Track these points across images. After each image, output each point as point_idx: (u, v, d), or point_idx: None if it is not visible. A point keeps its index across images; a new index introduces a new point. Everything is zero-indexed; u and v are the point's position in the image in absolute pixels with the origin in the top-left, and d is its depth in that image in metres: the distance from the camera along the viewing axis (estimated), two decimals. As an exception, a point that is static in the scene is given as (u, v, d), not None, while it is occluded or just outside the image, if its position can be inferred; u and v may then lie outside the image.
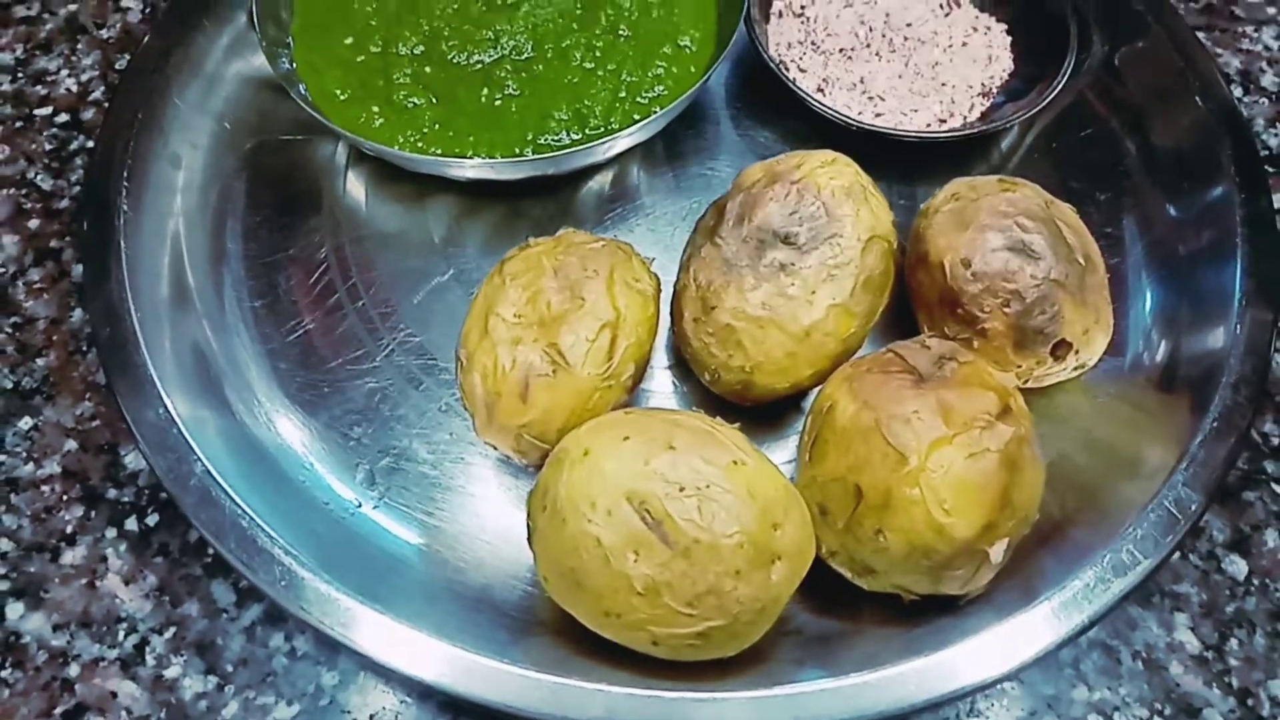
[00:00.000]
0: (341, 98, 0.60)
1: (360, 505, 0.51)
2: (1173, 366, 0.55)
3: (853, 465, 0.45)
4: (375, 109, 0.59)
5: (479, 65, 0.61)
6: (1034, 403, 0.51)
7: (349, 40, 0.62)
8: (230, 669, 0.48)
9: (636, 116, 0.60)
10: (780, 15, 0.68)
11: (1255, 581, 0.52)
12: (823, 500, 0.46)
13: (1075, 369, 0.53)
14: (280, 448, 0.52)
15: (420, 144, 0.58)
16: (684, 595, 0.42)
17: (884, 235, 0.51)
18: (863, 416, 0.45)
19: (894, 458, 0.44)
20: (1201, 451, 0.50)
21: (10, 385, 0.56)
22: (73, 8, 0.70)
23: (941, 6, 0.69)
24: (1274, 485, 0.54)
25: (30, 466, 0.53)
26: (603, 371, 0.48)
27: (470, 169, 0.56)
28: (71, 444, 0.54)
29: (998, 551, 0.44)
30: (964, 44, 0.67)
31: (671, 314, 0.54)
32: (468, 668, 0.44)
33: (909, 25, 0.68)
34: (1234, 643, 0.50)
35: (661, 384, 0.56)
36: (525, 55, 0.61)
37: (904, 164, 0.63)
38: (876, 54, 0.66)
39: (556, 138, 0.59)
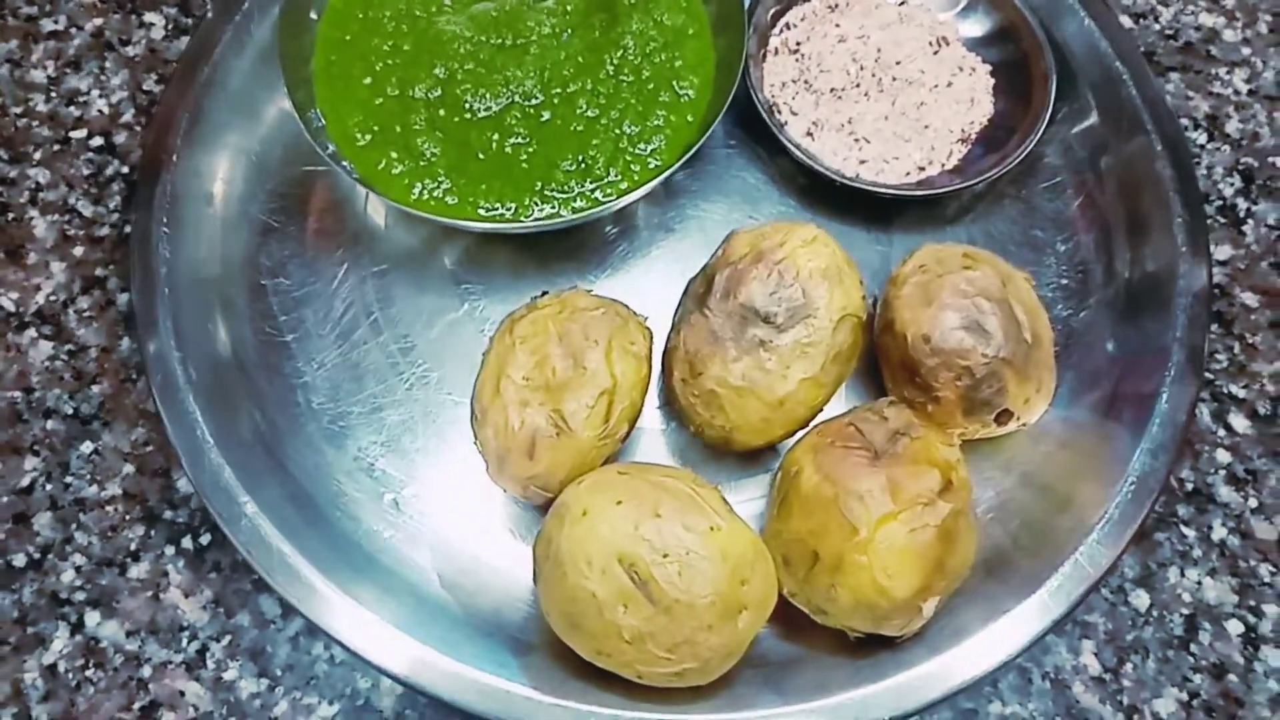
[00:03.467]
0: (361, 142, 0.64)
1: (386, 534, 0.58)
2: (1105, 420, 0.62)
3: (813, 530, 0.53)
4: (394, 154, 0.64)
5: (491, 112, 0.65)
6: (980, 445, 0.59)
7: (367, 80, 0.66)
8: (279, 673, 0.57)
9: (635, 168, 0.64)
10: (776, 52, 0.72)
11: (1154, 613, 0.60)
12: (786, 553, 0.54)
13: (1018, 427, 0.60)
14: (316, 481, 0.59)
15: (434, 192, 0.63)
16: (664, 643, 0.50)
17: (854, 312, 0.57)
18: (824, 488, 0.53)
19: (847, 529, 0.51)
20: (1116, 512, 0.58)
21: (71, 411, 0.62)
22: (98, 22, 0.72)
23: (931, 44, 0.72)
24: (1182, 527, 0.62)
25: (95, 488, 0.60)
26: (600, 433, 0.55)
27: (483, 226, 0.61)
28: (129, 467, 0.61)
29: (929, 608, 0.52)
30: (949, 84, 0.71)
31: (663, 364, 0.61)
32: (480, 690, 0.53)
33: (898, 63, 0.71)
34: (1129, 666, 0.59)
35: (653, 421, 0.63)
36: (535, 101, 0.65)
37: (882, 208, 0.68)
38: (865, 94, 0.70)
39: (564, 189, 0.64)
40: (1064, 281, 0.67)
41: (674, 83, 0.67)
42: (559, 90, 0.66)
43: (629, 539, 0.50)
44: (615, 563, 0.50)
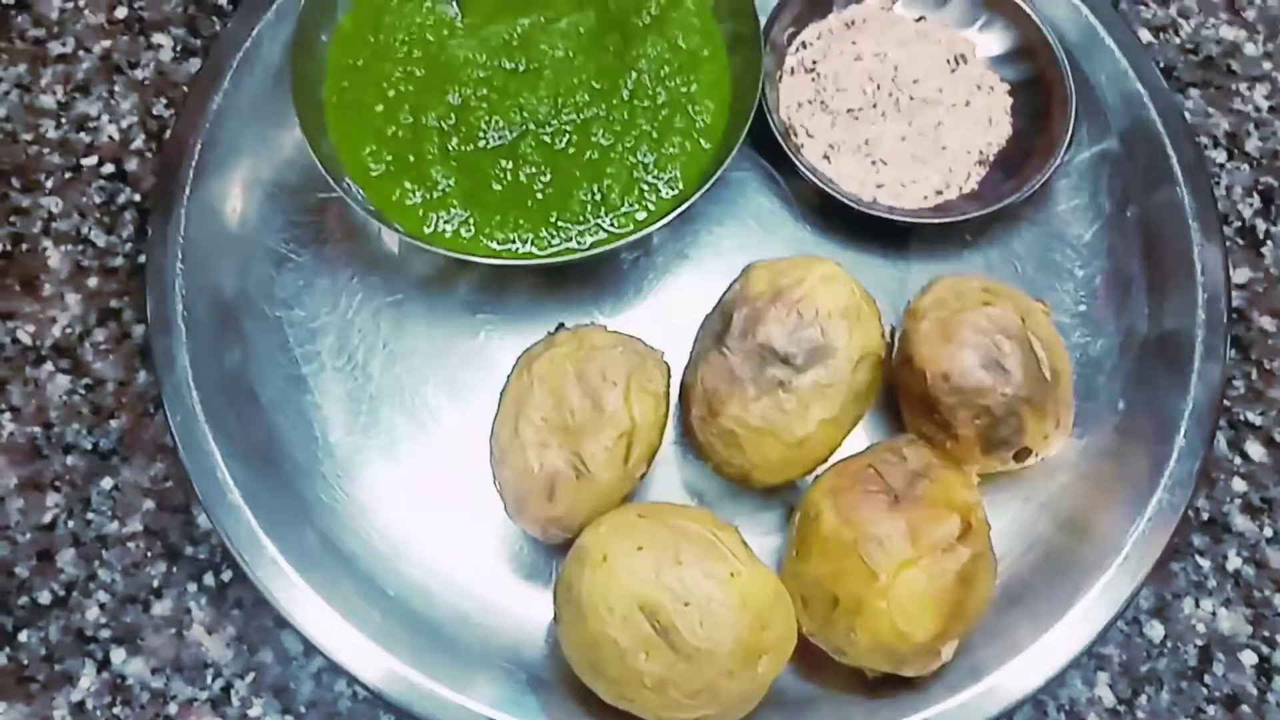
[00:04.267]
0: (375, 172, 0.64)
1: (405, 571, 0.59)
2: (1123, 449, 0.62)
3: (832, 573, 0.53)
4: (408, 184, 0.63)
5: (505, 140, 0.64)
6: (998, 474, 0.59)
7: (380, 107, 0.65)
8: (303, 709, 0.58)
9: (651, 197, 0.64)
10: (792, 72, 0.71)
11: (1169, 644, 0.61)
12: (805, 594, 0.54)
13: (1036, 462, 0.60)
14: (335, 518, 0.60)
15: (449, 224, 0.63)
16: (685, 690, 0.51)
17: (874, 350, 0.57)
18: (843, 532, 0.53)
19: (867, 574, 0.52)
20: (1135, 546, 0.58)
21: (90, 446, 0.62)
22: (106, 44, 0.72)
23: (949, 62, 0.71)
24: (1198, 557, 0.63)
25: (116, 525, 0.61)
26: (619, 474, 0.55)
27: (498, 261, 0.61)
28: (149, 503, 0.61)
29: (948, 650, 0.53)
30: (967, 103, 0.70)
31: (680, 398, 0.61)
32: (506, 733, 0.54)
33: (915, 82, 0.70)
34: (1143, 698, 0.59)
35: (669, 452, 0.63)
36: (549, 128, 0.65)
37: (900, 231, 0.67)
38: (883, 114, 0.70)
39: (579, 219, 0.63)
40: (1082, 308, 0.66)
41: (689, 107, 0.66)
42: (573, 117, 0.65)
43: (650, 586, 0.51)
44: (637, 610, 0.50)
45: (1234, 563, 0.62)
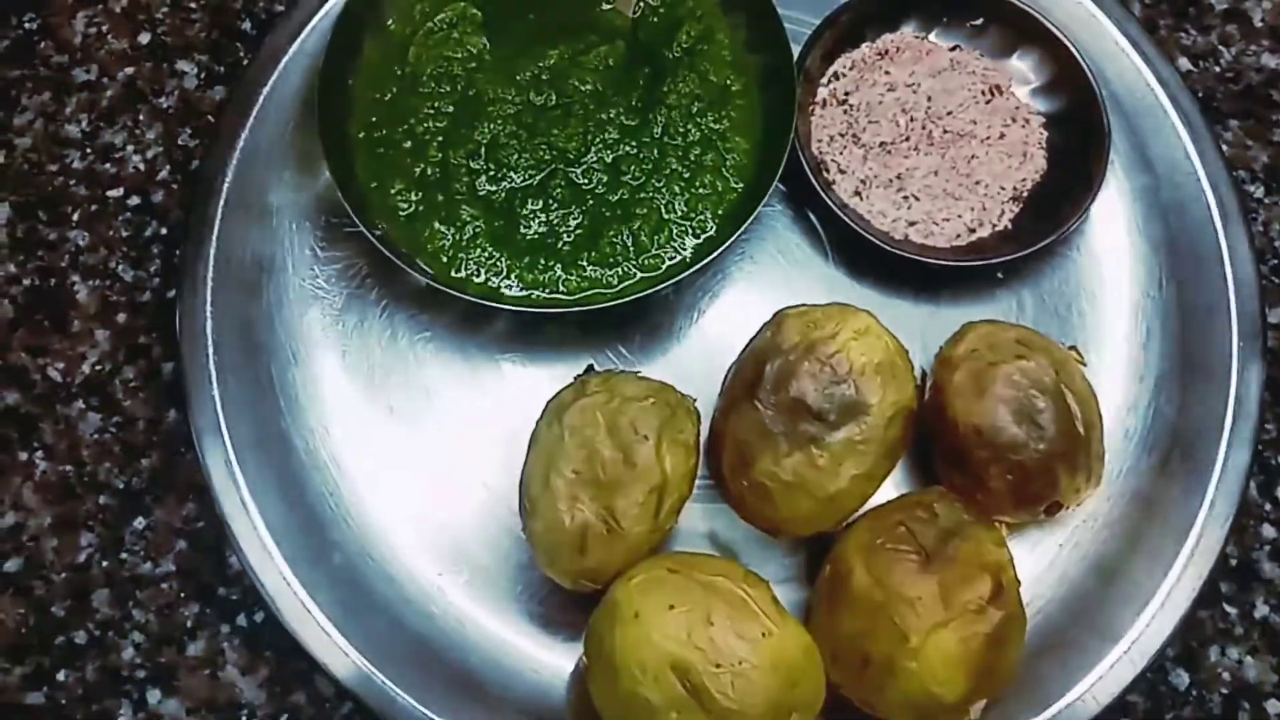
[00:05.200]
0: (404, 212, 0.63)
1: (434, 615, 0.59)
2: (1156, 496, 0.62)
3: (863, 631, 0.53)
4: (437, 224, 0.63)
5: (534, 179, 0.64)
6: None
7: (408, 144, 0.64)
8: (336, 752, 0.58)
9: (681, 239, 0.63)
10: (824, 104, 0.70)
11: (1194, 692, 0.61)
12: (836, 649, 0.55)
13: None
14: (364, 562, 0.60)
15: (478, 265, 0.62)
16: (716, 748, 0.51)
17: (907, 404, 0.57)
18: (875, 593, 0.53)
19: (898, 635, 0.52)
20: (1167, 597, 0.58)
21: (122, 486, 0.63)
22: (129, 70, 0.71)
23: (984, 93, 0.70)
24: (1225, 605, 0.63)
25: (149, 565, 0.61)
26: (650, 527, 0.56)
27: (529, 309, 0.61)
28: (182, 543, 0.62)
29: (976, 709, 0.53)
30: (1001, 135, 0.69)
31: (709, 443, 0.61)
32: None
33: (949, 114, 0.69)
34: (1168, 747, 0.60)
35: (698, 493, 0.62)
36: (579, 167, 0.64)
37: (931, 271, 0.67)
38: (915, 148, 0.69)
39: (609, 261, 0.63)
40: (1115, 350, 0.66)
41: (721, 145, 0.65)
42: (603, 155, 0.64)
43: (682, 647, 0.51)
44: (668, 670, 0.51)
45: (1261, 610, 0.62)
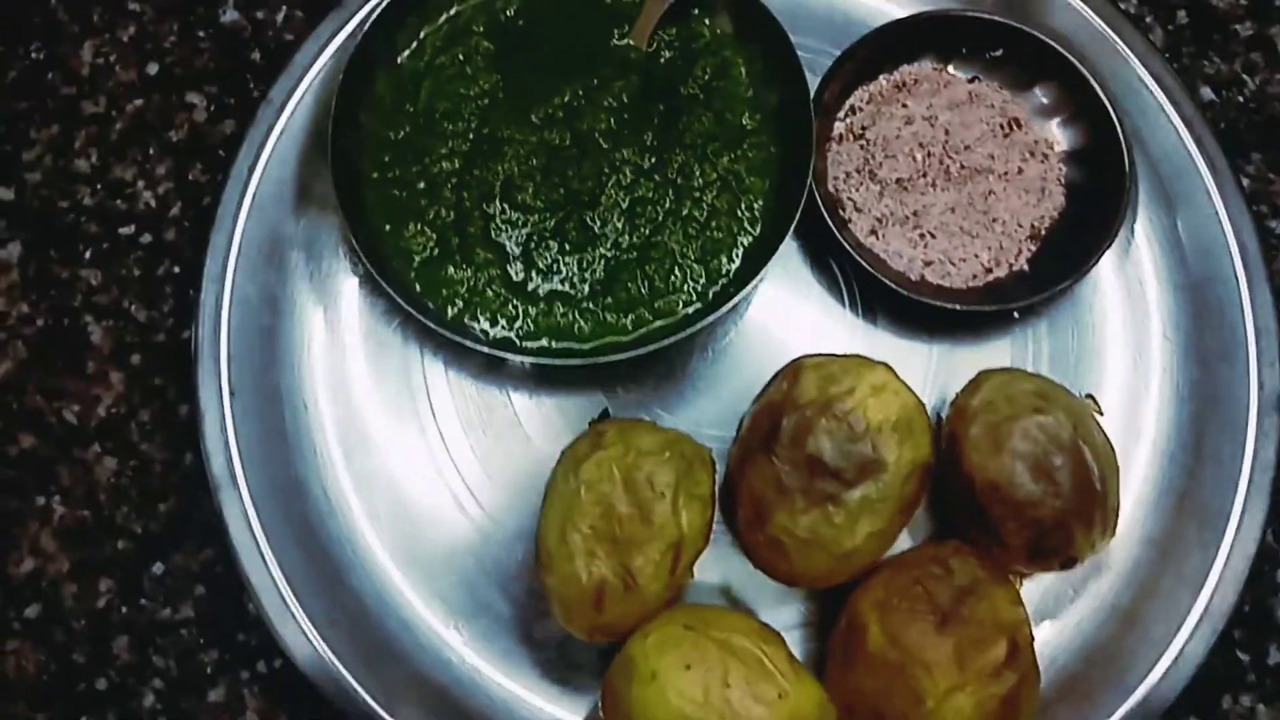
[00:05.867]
0: (419, 259, 0.62)
1: (453, 663, 0.60)
2: (1173, 542, 0.62)
3: (878, 690, 0.54)
4: (453, 271, 0.62)
5: (549, 223, 0.63)
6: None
7: (422, 185, 0.64)
8: (356, 797, 0.59)
9: (696, 284, 0.63)
10: (841, 139, 0.69)
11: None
12: (850, 704, 0.55)
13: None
14: (383, 610, 0.60)
15: (494, 311, 0.62)
16: (733, 807, 0.52)
17: (924, 460, 0.57)
18: (890, 653, 0.53)
19: (913, 697, 0.52)
20: (1183, 647, 0.59)
21: (139, 530, 0.63)
22: (139, 102, 0.70)
23: (1002, 127, 0.69)
24: (1239, 651, 0.63)
25: (168, 611, 0.62)
26: (666, 584, 0.56)
27: (546, 361, 0.61)
28: (200, 588, 0.62)
29: (991, 767, 0.54)
30: (1019, 170, 0.68)
31: (724, 490, 0.60)
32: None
33: (967, 148, 0.68)
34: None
35: (712, 539, 0.63)
36: (594, 209, 0.63)
37: (947, 310, 0.66)
38: (932, 183, 0.68)
39: (624, 308, 0.62)
40: (1130, 393, 0.65)
41: (736, 187, 0.64)
42: (619, 198, 0.64)
43: (699, 709, 0.51)
44: (685, 731, 0.51)
45: (1275, 657, 0.63)
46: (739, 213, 0.64)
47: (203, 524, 0.63)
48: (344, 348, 0.64)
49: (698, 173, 0.64)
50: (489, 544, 0.62)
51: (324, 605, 0.59)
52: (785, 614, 0.61)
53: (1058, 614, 0.61)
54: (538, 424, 0.64)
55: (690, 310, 0.62)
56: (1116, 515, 0.59)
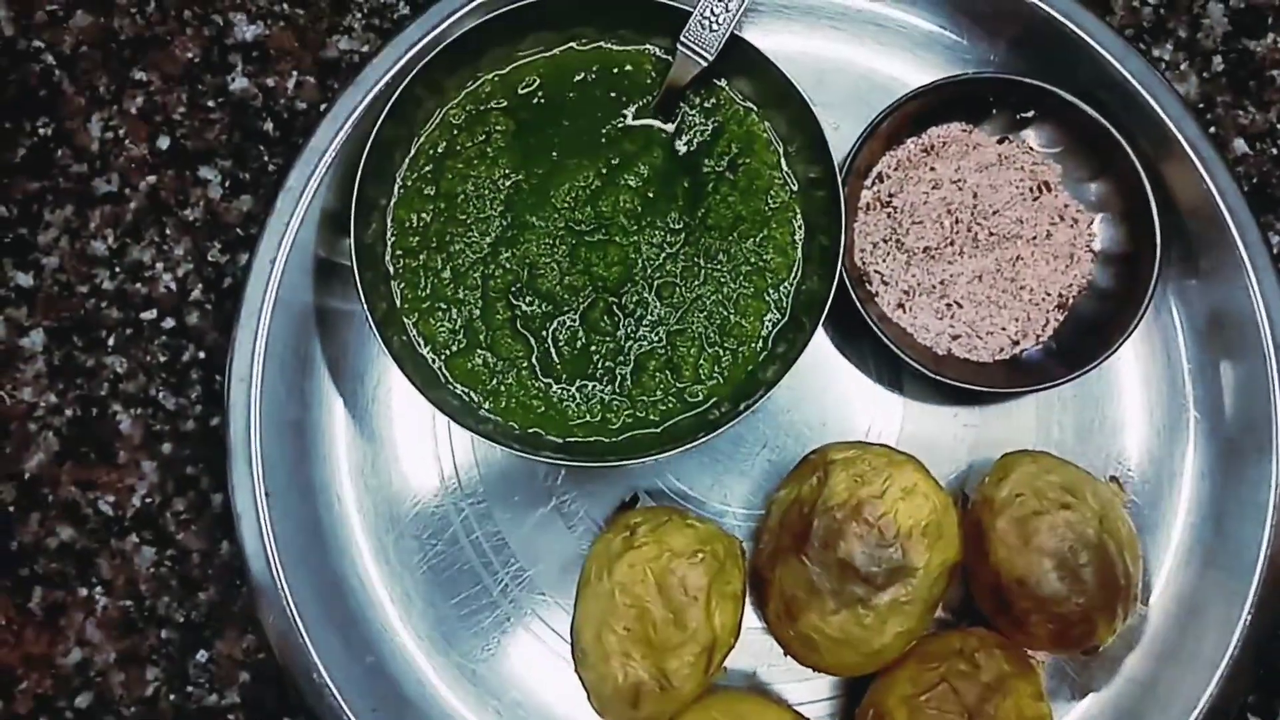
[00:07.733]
0: (446, 352, 0.62)
1: (495, 747, 0.62)
2: (1194, 618, 0.63)
3: (905, 786, 0.56)
4: (479, 361, 0.62)
5: (576, 309, 0.63)
6: None
7: (447, 274, 0.63)
8: None
9: (724, 368, 0.63)
10: (868, 208, 0.68)
11: (1218, 801, 0.64)
12: (880, 795, 0.58)
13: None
14: (422, 693, 0.62)
15: (519, 406, 0.62)
16: None
17: (953, 560, 0.58)
18: (919, 754, 0.55)
19: (941, 798, 0.55)
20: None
21: (181, 619, 0.65)
22: (151, 180, 0.69)
23: (1031, 190, 0.68)
24: (1250, 716, 0.65)
25: (215, 697, 0.64)
26: (700, 682, 0.58)
27: (572, 463, 0.61)
28: (245, 675, 0.64)
29: None
30: (1048, 235, 0.68)
31: (753, 581, 0.62)
32: None
33: (995, 213, 0.68)
34: None
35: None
36: (621, 295, 0.63)
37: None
38: (960, 252, 0.67)
39: (651, 394, 0.62)
40: (1155, 465, 0.66)
41: (763, 269, 0.64)
42: (645, 284, 0.63)
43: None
44: (722, 833, 0.54)
45: (1286, 721, 0.65)
46: (766, 297, 0.64)
47: (244, 612, 0.65)
48: (373, 439, 0.65)
49: (724, 254, 0.64)
50: (525, 624, 0.64)
51: (369, 703, 0.61)
52: (808, 689, 0.63)
53: (1079, 680, 0.63)
54: (568, 506, 0.65)
55: (718, 405, 0.62)
56: (1138, 599, 0.60)
